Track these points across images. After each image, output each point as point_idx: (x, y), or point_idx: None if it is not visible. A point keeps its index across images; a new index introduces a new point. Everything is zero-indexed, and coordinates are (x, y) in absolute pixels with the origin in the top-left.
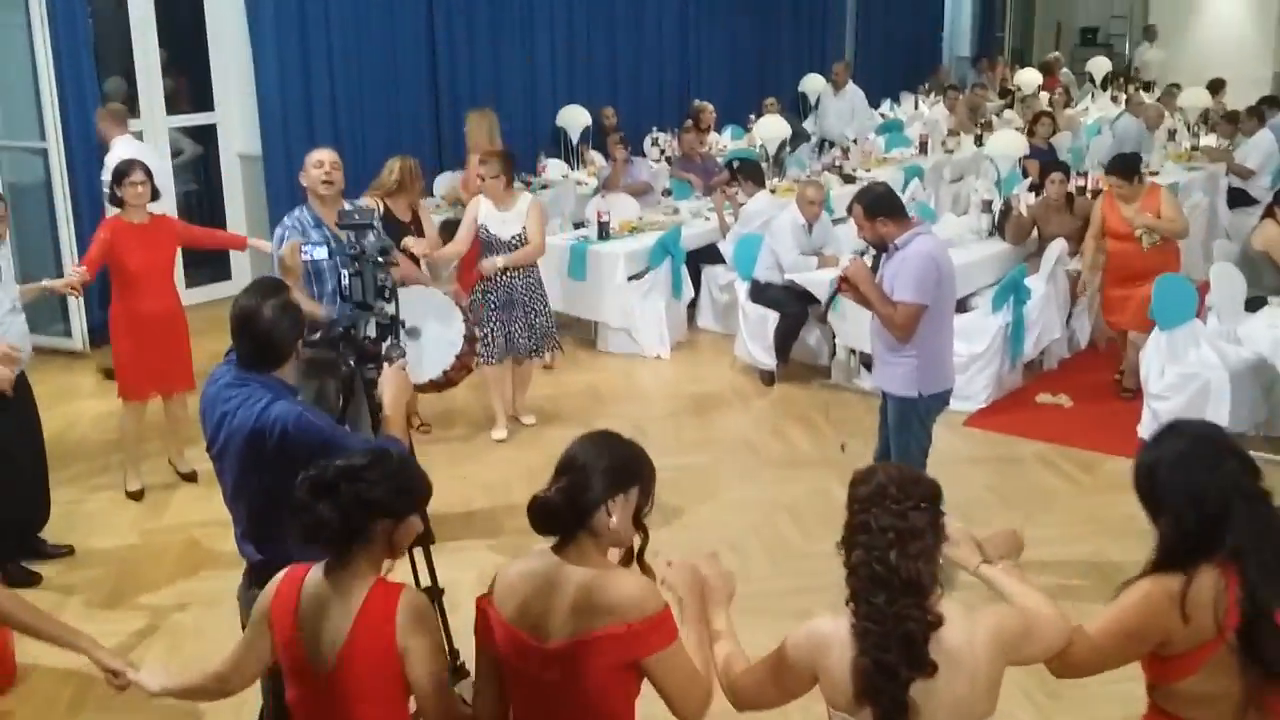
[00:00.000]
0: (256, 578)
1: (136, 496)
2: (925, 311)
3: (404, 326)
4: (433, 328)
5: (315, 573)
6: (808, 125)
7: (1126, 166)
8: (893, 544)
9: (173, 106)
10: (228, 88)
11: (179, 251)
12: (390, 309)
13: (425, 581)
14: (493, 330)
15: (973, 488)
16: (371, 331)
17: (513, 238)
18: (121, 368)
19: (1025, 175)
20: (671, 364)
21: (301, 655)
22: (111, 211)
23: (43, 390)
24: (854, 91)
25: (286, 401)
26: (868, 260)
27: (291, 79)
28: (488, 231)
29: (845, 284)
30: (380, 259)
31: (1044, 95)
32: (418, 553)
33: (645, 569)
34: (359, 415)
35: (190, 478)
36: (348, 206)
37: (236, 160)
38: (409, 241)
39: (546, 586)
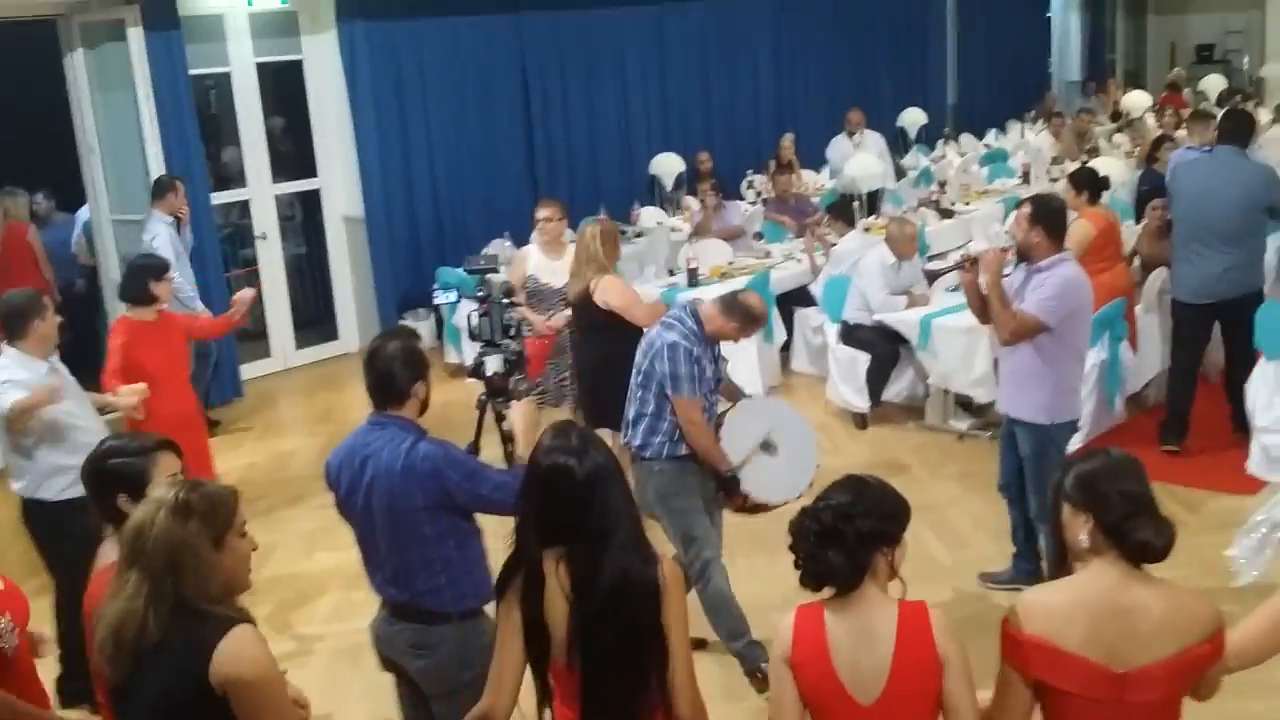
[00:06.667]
0: (402, 613)
1: None
2: (1046, 334)
3: (764, 443)
4: (787, 449)
5: (830, 610)
6: (826, 181)
7: None
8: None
9: (279, 173)
10: (329, 154)
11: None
12: (516, 345)
13: None
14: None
15: None
16: (500, 367)
17: (564, 286)
18: None
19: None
20: None
21: (840, 690)
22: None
23: None
24: (872, 138)
25: (429, 440)
26: (1009, 259)
27: (390, 145)
28: (537, 282)
29: (970, 265)
30: (505, 300)
31: (1149, 118)
32: None
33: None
34: None
35: None
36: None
37: (340, 222)
38: None
39: (1115, 611)
